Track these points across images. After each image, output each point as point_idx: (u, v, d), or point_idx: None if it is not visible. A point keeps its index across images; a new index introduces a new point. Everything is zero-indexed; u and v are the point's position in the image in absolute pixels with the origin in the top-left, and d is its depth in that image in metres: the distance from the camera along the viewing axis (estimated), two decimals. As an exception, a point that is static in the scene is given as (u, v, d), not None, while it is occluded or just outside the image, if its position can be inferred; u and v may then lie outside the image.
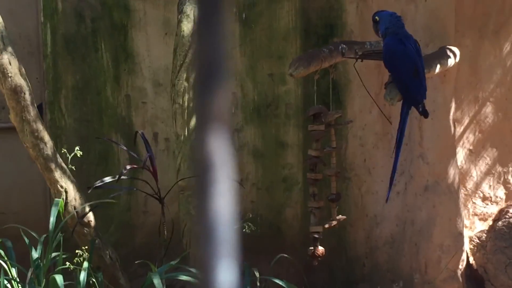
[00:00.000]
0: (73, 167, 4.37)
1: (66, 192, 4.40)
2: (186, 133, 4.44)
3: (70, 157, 4.30)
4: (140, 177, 4.72)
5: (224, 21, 0.68)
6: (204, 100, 0.69)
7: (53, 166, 4.39)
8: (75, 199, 4.44)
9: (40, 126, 4.37)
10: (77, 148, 4.34)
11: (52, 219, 4.17)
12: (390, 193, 4.29)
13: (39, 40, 5.29)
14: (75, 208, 4.43)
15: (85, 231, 4.47)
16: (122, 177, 4.47)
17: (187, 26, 4.38)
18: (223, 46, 0.68)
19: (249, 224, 4.23)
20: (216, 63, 0.68)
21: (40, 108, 4.67)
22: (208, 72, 0.68)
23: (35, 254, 4.10)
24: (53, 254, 4.10)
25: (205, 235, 0.68)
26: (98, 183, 4.20)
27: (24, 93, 4.30)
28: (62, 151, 4.44)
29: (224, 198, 0.68)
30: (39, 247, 4.13)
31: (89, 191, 4.19)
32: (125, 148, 4.70)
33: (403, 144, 5.14)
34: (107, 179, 4.34)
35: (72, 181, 4.44)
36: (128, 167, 4.34)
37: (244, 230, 4.28)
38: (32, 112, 4.33)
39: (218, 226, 0.68)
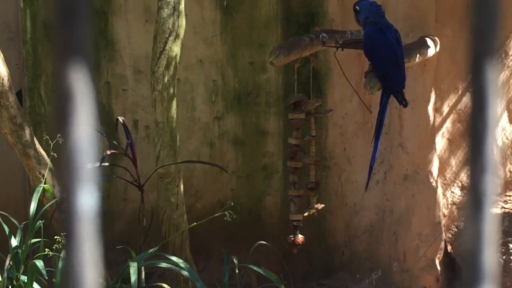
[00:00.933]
0: (55, 154, 4.35)
1: (44, 178, 4.39)
2: (166, 120, 4.44)
3: (52, 144, 4.29)
4: (120, 164, 4.71)
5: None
6: (63, 33, 0.74)
7: (31, 152, 4.37)
8: (53, 186, 4.42)
9: (18, 113, 4.34)
10: (59, 135, 4.31)
11: (33, 205, 4.15)
12: (369, 182, 4.31)
13: (18, 26, 5.25)
14: (53, 194, 4.42)
15: (63, 217, 4.46)
16: (103, 164, 4.46)
17: (167, 14, 4.36)
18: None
19: (231, 212, 4.23)
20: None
21: (19, 95, 4.65)
22: (67, 8, 0.73)
23: (14, 241, 4.09)
24: (32, 241, 4.09)
25: (66, 162, 0.75)
26: None
27: (3, 79, 4.27)
28: (44, 138, 4.42)
29: (83, 127, 0.74)
30: (18, 234, 4.12)
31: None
32: (105, 135, 4.69)
33: (383, 133, 5.17)
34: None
35: (50, 168, 4.43)
36: (108, 152, 4.33)
37: (225, 218, 4.28)
38: (11, 98, 4.31)
39: (78, 153, 0.74)
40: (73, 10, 0.74)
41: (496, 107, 0.85)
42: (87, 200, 0.77)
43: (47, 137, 4.27)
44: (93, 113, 0.76)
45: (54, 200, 4.38)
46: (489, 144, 0.84)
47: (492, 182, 0.85)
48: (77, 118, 0.76)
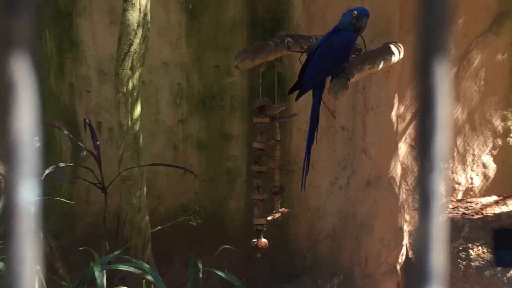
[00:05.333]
0: None
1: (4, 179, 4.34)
2: (130, 122, 4.41)
3: None
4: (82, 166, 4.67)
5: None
6: (6, 24, 0.74)
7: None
8: None
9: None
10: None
11: None
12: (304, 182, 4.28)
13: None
14: None
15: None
16: (63, 165, 4.43)
17: (132, 15, 4.35)
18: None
19: (196, 217, 4.22)
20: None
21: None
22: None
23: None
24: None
25: (8, 155, 0.74)
26: (50, 169, 4.16)
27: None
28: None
29: (25, 118, 0.73)
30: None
31: (42, 178, 4.14)
32: (71, 136, 4.65)
33: (346, 139, 5.19)
34: (62, 164, 4.30)
35: None
36: (84, 152, 4.30)
37: (190, 222, 4.27)
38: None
39: (19, 146, 0.74)
40: (15, 4, 0.74)
41: (446, 106, 0.84)
42: (27, 194, 0.75)
43: None
44: (36, 104, 0.74)
45: None
46: (437, 145, 0.84)
47: (440, 182, 0.84)
48: (19, 109, 0.73)
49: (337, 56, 3.98)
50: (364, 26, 4.02)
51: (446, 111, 0.84)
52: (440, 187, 0.86)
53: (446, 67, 0.83)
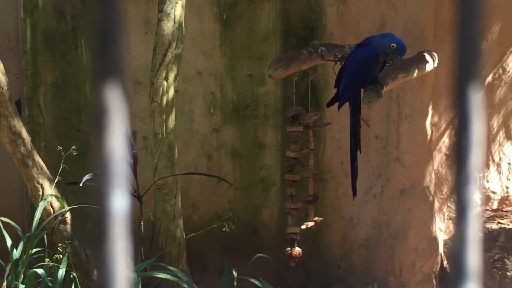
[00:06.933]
0: (66, 166, 4.34)
1: (42, 188, 4.39)
2: (164, 131, 4.45)
3: (64, 156, 4.29)
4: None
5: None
6: (101, 54, 0.86)
7: (30, 162, 4.37)
8: (51, 196, 4.43)
9: (17, 122, 4.35)
10: (73, 147, 4.32)
11: (37, 216, 4.16)
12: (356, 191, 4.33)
13: (18, 36, 5.27)
14: (51, 205, 4.42)
15: (61, 227, 4.47)
16: (99, 173, 4.46)
17: (167, 25, 4.39)
18: (117, 9, 0.86)
19: (229, 223, 4.24)
20: (111, 24, 0.86)
21: (18, 104, 4.66)
22: (103, 34, 0.86)
23: (15, 251, 4.09)
24: (33, 251, 4.09)
25: (102, 169, 0.86)
26: (87, 177, 4.20)
27: (2, 89, 4.28)
28: (42, 148, 4.42)
29: (117, 138, 0.86)
30: (21, 244, 4.12)
31: (80, 185, 4.18)
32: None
33: (379, 147, 5.19)
34: (98, 172, 4.34)
35: (49, 178, 4.43)
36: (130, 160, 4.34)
37: (224, 229, 4.29)
38: (10, 107, 4.32)
39: (112, 161, 0.85)
40: (110, 33, 0.85)
41: (479, 127, 0.95)
42: (119, 203, 0.86)
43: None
44: (125, 126, 0.85)
45: (58, 212, 4.38)
46: (471, 160, 0.95)
47: (474, 193, 0.95)
48: (111, 131, 0.85)
49: (360, 70, 3.99)
50: (394, 62, 3.97)
51: (480, 130, 0.95)
52: (475, 198, 0.96)
53: (479, 92, 0.94)
